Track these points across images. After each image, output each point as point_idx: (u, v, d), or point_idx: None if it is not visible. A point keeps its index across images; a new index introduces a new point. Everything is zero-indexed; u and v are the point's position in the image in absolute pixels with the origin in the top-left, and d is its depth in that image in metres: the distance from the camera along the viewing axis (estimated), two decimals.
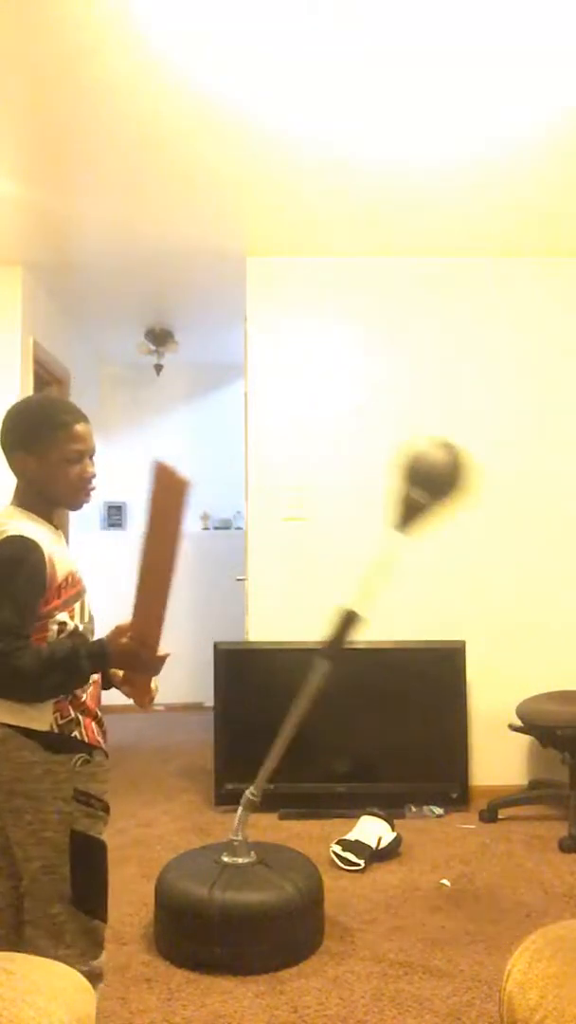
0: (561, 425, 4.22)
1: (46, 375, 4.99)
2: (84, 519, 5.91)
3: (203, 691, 6.32)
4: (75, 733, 1.65)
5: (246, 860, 2.55)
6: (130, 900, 2.84)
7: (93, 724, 1.70)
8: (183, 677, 6.49)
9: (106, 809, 1.69)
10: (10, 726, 1.60)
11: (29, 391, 4.46)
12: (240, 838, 2.58)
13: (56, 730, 1.63)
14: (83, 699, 1.68)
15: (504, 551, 4.17)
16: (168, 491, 1.67)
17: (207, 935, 2.35)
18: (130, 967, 2.38)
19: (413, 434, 2.63)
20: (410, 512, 2.54)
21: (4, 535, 1.62)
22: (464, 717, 3.91)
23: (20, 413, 1.78)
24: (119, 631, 1.65)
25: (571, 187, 3.50)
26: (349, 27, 2.44)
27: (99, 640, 1.66)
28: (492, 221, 3.85)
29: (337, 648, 2.59)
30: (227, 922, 2.34)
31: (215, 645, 4.00)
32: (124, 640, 1.62)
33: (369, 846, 3.17)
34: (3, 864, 1.64)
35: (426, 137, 3.09)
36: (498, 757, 4.05)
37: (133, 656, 1.63)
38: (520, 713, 3.61)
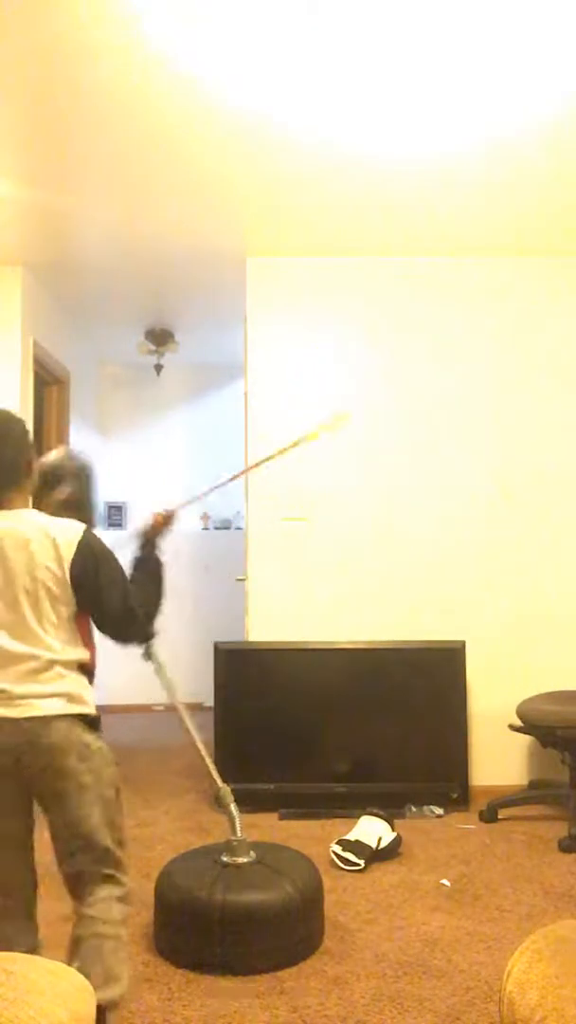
0: (562, 425, 4.21)
1: (46, 375, 4.99)
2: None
3: (203, 691, 6.32)
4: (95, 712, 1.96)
5: (246, 860, 2.55)
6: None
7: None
8: (183, 677, 6.49)
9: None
10: (79, 716, 1.89)
11: (29, 391, 4.47)
12: (240, 838, 2.58)
13: (98, 714, 1.95)
14: (94, 664, 2.01)
15: (504, 551, 4.17)
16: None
17: (207, 935, 2.35)
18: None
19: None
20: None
21: (83, 529, 1.94)
22: (464, 717, 3.91)
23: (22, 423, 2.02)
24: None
25: (571, 185, 3.50)
26: (349, 27, 2.45)
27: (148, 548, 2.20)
28: (493, 221, 3.84)
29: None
30: (227, 922, 2.34)
31: (215, 645, 4.00)
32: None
33: (369, 846, 3.16)
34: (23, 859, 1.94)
35: (426, 137, 3.10)
36: (498, 757, 4.05)
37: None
38: (520, 713, 3.61)
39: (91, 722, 1.91)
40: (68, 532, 1.90)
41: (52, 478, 2.18)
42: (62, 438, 5.25)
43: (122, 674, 6.42)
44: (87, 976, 1.55)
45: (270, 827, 3.58)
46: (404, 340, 4.26)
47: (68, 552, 1.88)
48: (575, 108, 2.90)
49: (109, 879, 1.91)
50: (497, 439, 4.21)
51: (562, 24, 2.45)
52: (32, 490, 2.02)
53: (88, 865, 1.89)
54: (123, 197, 3.59)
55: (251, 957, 2.34)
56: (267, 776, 3.79)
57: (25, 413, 4.39)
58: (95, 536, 1.95)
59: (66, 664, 1.90)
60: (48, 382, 5.14)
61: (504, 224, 3.88)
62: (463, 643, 3.94)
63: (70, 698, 1.88)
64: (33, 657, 1.85)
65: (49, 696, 1.86)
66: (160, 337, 5.64)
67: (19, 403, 4.31)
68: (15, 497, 1.94)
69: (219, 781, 2.68)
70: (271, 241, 4.09)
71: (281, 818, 3.71)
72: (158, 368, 5.98)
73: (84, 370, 5.97)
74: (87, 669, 1.97)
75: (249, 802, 3.32)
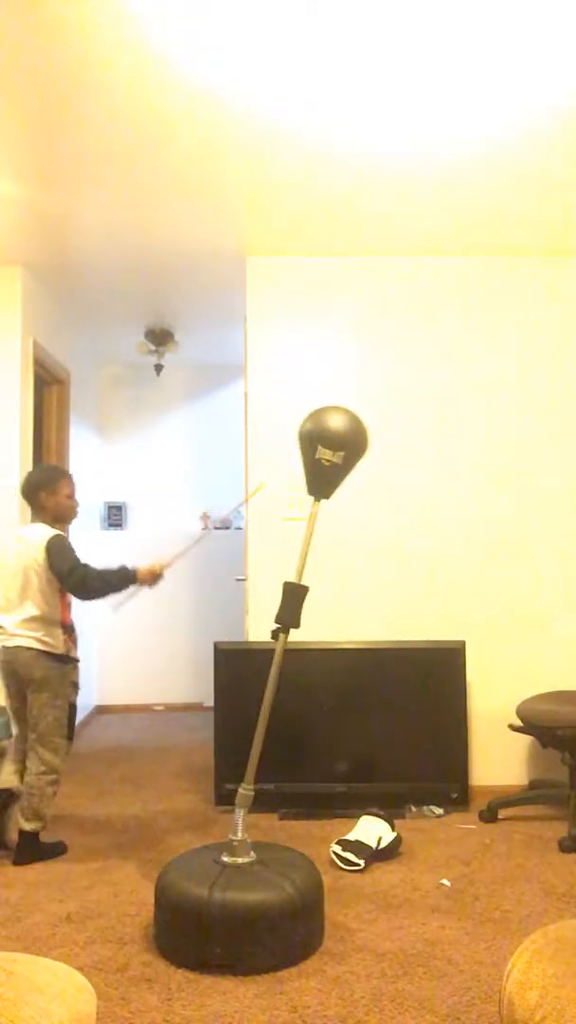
0: (562, 425, 4.22)
1: (46, 375, 4.99)
2: (85, 519, 5.91)
3: (203, 691, 6.34)
4: (71, 653, 3.34)
5: (246, 860, 2.55)
6: (130, 900, 2.85)
7: (74, 644, 3.37)
8: (183, 677, 6.51)
9: (77, 689, 3.40)
10: (43, 651, 3.23)
11: (29, 391, 4.47)
12: (240, 838, 2.58)
13: (64, 652, 3.28)
14: (71, 624, 3.35)
15: (504, 551, 4.17)
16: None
17: (207, 935, 2.35)
18: (130, 967, 2.38)
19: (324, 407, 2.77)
20: (321, 474, 2.70)
21: (55, 534, 3.29)
22: (464, 717, 3.91)
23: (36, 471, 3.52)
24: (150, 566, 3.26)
25: (570, 186, 3.50)
26: (349, 27, 2.45)
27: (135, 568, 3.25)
28: (493, 221, 3.85)
29: (290, 618, 2.77)
30: (227, 922, 2.34)
31: (215, 645, 4.00)
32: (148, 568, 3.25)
33: (369, 846, 3.17)
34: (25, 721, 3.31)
35: (426, 138, 3.10)
36: (498, 757, 4.06)
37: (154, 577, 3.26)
38: (520, 713, 3.61)
39: (56, 656, 3.25)
40: (43, 535, 3.28)
41: None
42: (62, 438, 5.25)
43: (122, 675, 6.46)
44: (22, 809, 3.21)
45: (270, 827, 3.58)
46: (404, 340, 4.26)
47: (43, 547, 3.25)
48: (574, 108, 2.91)
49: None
50: (497, 439, 4.22)
51: (563, 25, 2.45)
52: (52, 514, 3.36)
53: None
54: (123, 197, 3.59)
55: (251, 957, 2.34)
56: (267, 776, 3.78)
57: (25, 413, 4.39)
58: (58, 537, 3.29)
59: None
60: (48, 382, 5.14)
61: (505, 224, 3.88)
62: (463, 643, 3.94)
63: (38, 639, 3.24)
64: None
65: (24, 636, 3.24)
66: (160, 337, 5.65)
67: (19, 403, 4.31)
68: (36, 515, 3.39)
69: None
70: (271, 241, 4.09)
71: (281, 818, 3.71)
72: (158, 368, 5.99)
73: (84, 370, 5.97)
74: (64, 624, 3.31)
75: None
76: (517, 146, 3.17)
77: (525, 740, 4.06)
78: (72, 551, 3.24)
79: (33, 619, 3.22)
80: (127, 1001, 2.19)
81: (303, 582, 2.78)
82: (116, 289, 4.81)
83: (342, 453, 2.63)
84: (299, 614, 2.76)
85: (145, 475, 6.63)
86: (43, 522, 3.34)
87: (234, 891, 2.38)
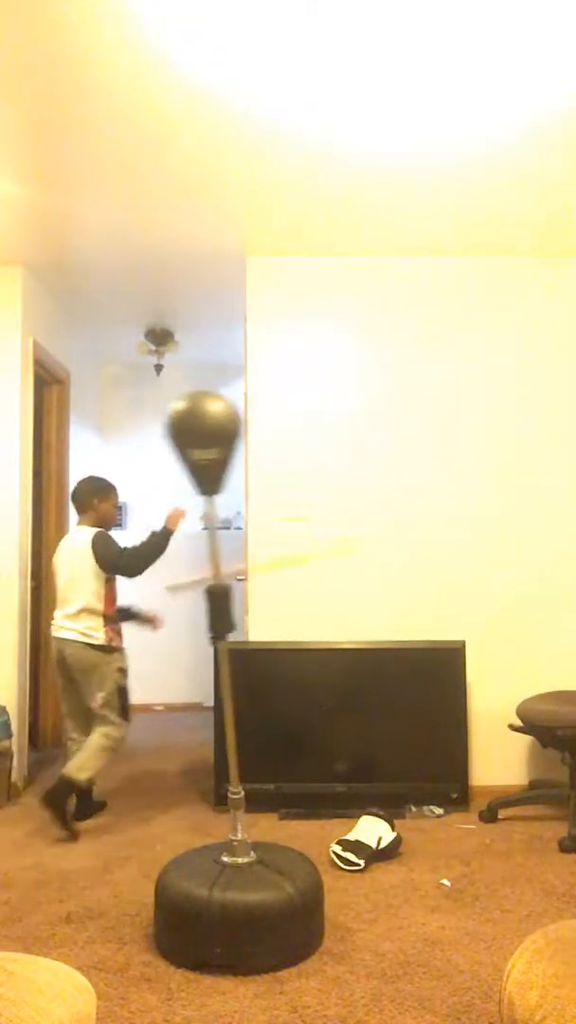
0: (562, 425, 4.22)
1: (46, 375, 4.99)
2: None
3: (203, 691, 6.34)
4: (113, 642, 3.71)
5: (246, 860, 2.55)
6: (130, 900, 2.85)
7: (116, 634, 3.75)
8: (183, 677, 6.51)
9: (125, 674, 3.74)
10: (86, 643, 3.64)
11: (29, 391, 4.46)
12: (240, 838, 2.58)
13: (106, 643, 3.67)
14: (114, 615, 3.73)
15: (504, 551, 4.17)
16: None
17: (207, 935, 2.35)
18: (130, 967, 2.38)
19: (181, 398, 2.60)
20: (201, 473, 2.58)
21: (98, 531, 3.75)
22: (464, 717, 3.91)
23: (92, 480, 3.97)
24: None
25: (570, 186, 3.50)
26: (349, 27, 2.45)
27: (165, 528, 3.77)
28: (492, 221, 3.85)
29: (225, 624, 2.67)
30: (227, 922, 2.34)
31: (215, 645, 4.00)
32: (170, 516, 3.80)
33: (369, 846, 3.16)
34: (80, 704, 3.71)
35: (425, 138, 3.10)
36: (498, 757, 4.06)
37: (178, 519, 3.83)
38: (520, 713, 3.61)
39: (98, 647, 3.64)
40: (88, 534, 3.74)
41: None
42: (62, 438, 5.25)
43: None
44: (71, 757, 3.57)
45: (270, 827, 3.58)
46: (403, 340, 4.26)
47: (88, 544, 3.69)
48: (574, 108, 2.91)
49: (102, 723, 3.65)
50: (497, 439, 4.22)
51: (564, 26, 2.45)
52: (100, 518, 3.84)
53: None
54: (123, 197, 3.59)
55: (251, 957, 2.34)
56: (267, 776, 3.79)
57: (25, 413, 4.39)
58: (100, 534, 3.75)
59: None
60: (48, 382, 5.14)
61: (505, 224, 3.88)
62: (463, 643, 3.94)
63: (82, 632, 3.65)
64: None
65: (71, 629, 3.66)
66: (160, 337, 5.64)
67: (19, 403, 4.31)
68: (83, 519, 3.84)
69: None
70: (271, 241, 4.09)
71: (281, 818, 3.71)
72: (158, 368, 5.98)
73: (84, 370, 5.96)
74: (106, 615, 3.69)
75: (249, 802, 3.33)
76: (517, 146, 3.17)
77: (525, 740, 4.06)
78: (116, 542, 3.71)
79: (78, 612, 3.65)
80: (127, 1001, 2.19)
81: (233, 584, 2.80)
82: (116, 289, 4.81)
83: (215, 449, 2.51)
84: (231, 617, 2.64)
85: (145, 475, 6.62)
86: (88, 525, 3.79)
87: (234, 891, 2.38)
